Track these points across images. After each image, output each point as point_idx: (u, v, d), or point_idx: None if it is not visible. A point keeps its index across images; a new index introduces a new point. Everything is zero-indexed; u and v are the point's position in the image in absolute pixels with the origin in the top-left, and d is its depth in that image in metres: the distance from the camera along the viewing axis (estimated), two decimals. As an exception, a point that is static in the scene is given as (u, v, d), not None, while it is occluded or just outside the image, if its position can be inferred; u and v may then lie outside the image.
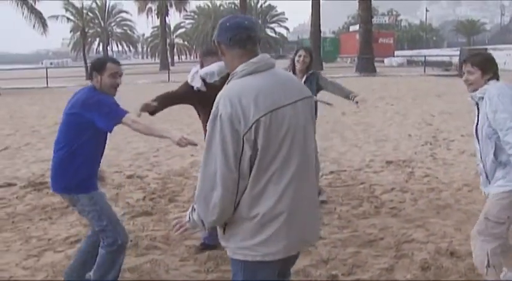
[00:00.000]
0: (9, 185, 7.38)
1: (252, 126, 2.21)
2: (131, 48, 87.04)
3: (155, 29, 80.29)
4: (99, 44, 74.68)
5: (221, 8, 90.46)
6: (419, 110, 14.63)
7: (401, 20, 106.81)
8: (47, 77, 30.93)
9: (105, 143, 3.76)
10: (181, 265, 4.48)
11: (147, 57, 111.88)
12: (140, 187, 7.13)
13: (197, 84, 4.44)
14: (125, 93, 20.73)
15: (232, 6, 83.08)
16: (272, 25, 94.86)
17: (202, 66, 4.48)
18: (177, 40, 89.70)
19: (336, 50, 60.86)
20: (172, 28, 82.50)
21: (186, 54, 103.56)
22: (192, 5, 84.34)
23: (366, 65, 34.67)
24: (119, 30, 77.05)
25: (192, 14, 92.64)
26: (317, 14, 40.56)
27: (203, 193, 2.30)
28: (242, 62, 2.35)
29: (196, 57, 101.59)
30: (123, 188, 7.07)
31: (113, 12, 72.93)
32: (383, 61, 46.90)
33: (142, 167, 8.37)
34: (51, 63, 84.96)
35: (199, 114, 4.58)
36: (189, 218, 2.42)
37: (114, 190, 6.95)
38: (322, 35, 45.01)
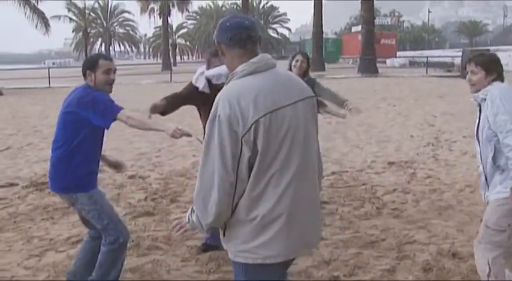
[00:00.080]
0: (11, 185, 7.38)
1: (251, 127, 2.19)
2: (133, 48, 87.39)
3: (157, 29, 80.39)
4: (101, 44, 74.91)
5: (223, 8, 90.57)
6: (422, 111, 14.61)
7: (403, 21, 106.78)
8: (49, 77, 30.98)
9: (103, 140, 3.76)
10: (183, 265, 4.48)
11: (149, 58, 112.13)
12: (142, 187, 7.13)
13: (201, 85, 4.43)
14: (127, 93, 20.67)
15: (235, 6, 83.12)
16: (274, 26, 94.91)
17: (208, 67, 4.47)
18: (179, 40, 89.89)
19: (338, 50, 60.87)
20: (174, 28, 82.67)
21: (188, 55, 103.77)
22: (194, 6, 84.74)
23: (368, 66, 34.64)
24: (121, 30, 77.28)
25: (194, 14, 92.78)
26: (319, 14, 40.59)
27: (201, 195, 2.29)
28: (242, 62, 2.33)
29: (199, 57, 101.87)
30: (124, 189, 7.07)
31: (115, 12, 73.18)
32: (385, 62, 46.87)
33: (144, 168, 8.37)
34: (53, 63, 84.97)
35: (200, 115, 4.58)
36: (189, 219, 2.42)
37: (116, 190, 6.96)
38: (324, 35, 44.98)
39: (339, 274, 4.20)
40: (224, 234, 2.41)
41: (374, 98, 18.20)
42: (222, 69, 4.27)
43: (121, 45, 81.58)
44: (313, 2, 40.75)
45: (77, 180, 3.58)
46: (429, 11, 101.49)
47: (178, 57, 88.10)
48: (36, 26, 33.72)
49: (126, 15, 76.18)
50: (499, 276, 3.44)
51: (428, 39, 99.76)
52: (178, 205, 6.25)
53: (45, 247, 4.95)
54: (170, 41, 68.79)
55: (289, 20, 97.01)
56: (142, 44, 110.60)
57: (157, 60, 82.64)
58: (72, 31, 67.99)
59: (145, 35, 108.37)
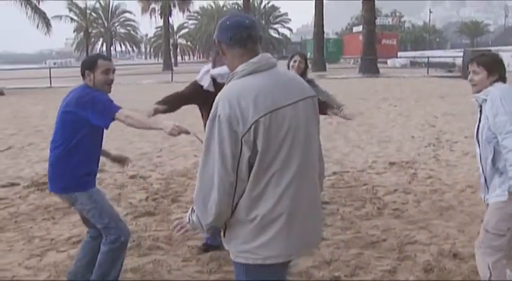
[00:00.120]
0: (13, 184, 7.39)
1: (250, 127, 2.18)
2: (134, 48, 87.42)
3: (158, 29, 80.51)
4: (102, 44, 74.93)
5: (224, 8, 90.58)
6: (423, 112, 14.61)
7: (404, 21, 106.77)
8: (50, 77, 31.00)
9: (102, 140, 3.76)
10: (184, 265, 4.48)
11: (150, 58, 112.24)
12: (143, 187, 7.13)
13: (206, 83, 4.41)
14: (128, 93, 20.65)
15: (236, 6, 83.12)
16: (275, 26, 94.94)
17: (214, 66, 4.46)
18: (180, 40, 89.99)
19: (339, 51, 60.90)
20: (175, 28, 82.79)
21: (189, 55, 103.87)
22: (195, 6, 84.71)
23: (369, 66, 34.65)
24: (122, 30, 77.32)
25: (195, 14, 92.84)
26: (320, 14, 40.60)
27: (201, 195, 2.29)
28: (243, 62, 2.32)
29: (200, 57, 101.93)
30: (125, 188, 7.08)
31: (117, 12, 73.20)
32: (386, 62, 46.88)
33: (146, 168, 8.37)
34: (54, 63, 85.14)
35: (202, 115, 4.57)
36: (189, 219, 2.41)
37: (117, 190, 6.96)
38: (325, 36, 44.99)
39: (340, 274, 4.19)
40: (224, 234, 2.41)
41: (375, 99, 18.19)
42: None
43: (122, 45, 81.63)
44: (314, 2, 40.73)
45: (75, 180, 3.58)
46: (430, 11, 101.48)
47: (179, 58, 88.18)
48: (38, 26, 33.78)
49: (127, 15, 76.23)
50: (500, 279, 3.40)
51: (429, 39, 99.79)
52: (180, 205, 6.25)
53: (46, 247, 4.95)
54: (171, 41, 68.84)
55: (290, 20, 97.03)
56: (143, 44, 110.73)
57: (158, 60, 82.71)
58: (74, 31, 68.05)
59: (147, 35, 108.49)
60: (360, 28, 43.58)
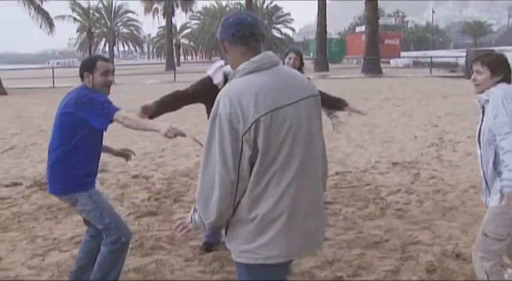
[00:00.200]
0: (15, 184, 7.40)
1: (251, 126, 2.18)
2: (137, 48, 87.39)
3: (161, 29, 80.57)
4: (105, 44, 74.99)
5: (227, 8, 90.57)
6: (425, 112, 14.59)
7: (407, 21, 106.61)
8: (53, 77, 31.03)
9: (102, 141, 3.74)
10: (186, 265, 4.48)
11: (153, 58, 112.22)
12: (145, 187, 7.14)
13: (218, 79, 4.31)
14: (131, 93, 20.67)
15: (238, 6, 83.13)
16: (278, 26, 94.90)
17: (227, 62, 4.39)
18: (183, 40, 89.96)
19: (341, 51, 60.79)
20: (178, 28, 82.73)
21: (192, 55, 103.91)
22: (198, 6, 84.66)
23: (372, 66, 34.61)
24: (125, 30, 77.35)
25: (198, 14, 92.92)
26: (323, 14, 40.56)
27: (203, 194, 2.29)
28: (245, 60, 2.31)
29: (203, 57, 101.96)
30: (128, 188, 7.08)
31: (119, 12, 73.24)
32: (389, 62, 46.81)
33: (148, 168, 8.38)
34: (57, 63, 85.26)
35: (208, 114, 4.50)
36: (191, 218, 2.41)
37: (120, 190, 6.97)
38: (328, 36, 44.99)
39: (342, 274, 4.19)
40: (226, 233, 2.42)
41: (378, 99, 18.17)
42: None
43: (125, 45, 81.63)
44: (317, 2, 40.70)
45: (75, 181, 3.56)
46: (433, 11, 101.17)
47: (182, 57, 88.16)
48: (41, 26, 33.79)
49: (130, 15, 76.25)
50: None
51: (432, 39, 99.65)
52: (182, 205, 6.26)
53: (49, 247, 4.96)
54: (174, 41, 68.83)
55: (293, 20, 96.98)
56: (146, 44, 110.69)
57: (161, 60, 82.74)
58: (77, 31, 68.13)
59: (149, 35, 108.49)
60: (363, 28, 43.59)
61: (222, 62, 4.42)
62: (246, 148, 2.20)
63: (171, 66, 53.51)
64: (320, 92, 4.75)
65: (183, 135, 3.18)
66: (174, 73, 35.99)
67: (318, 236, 2.52)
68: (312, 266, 4.32)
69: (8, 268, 4.46)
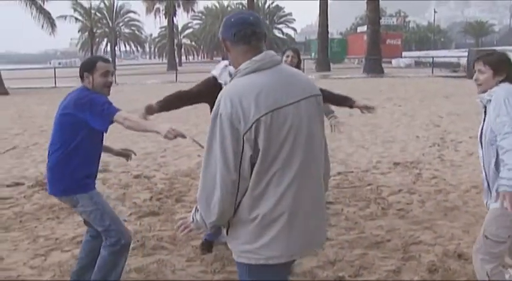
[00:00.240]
0: (17, 184, 7.41)
1: (252, 126, 2.18)
2: (139, 48, 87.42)
3: (163, 29, 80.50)
4: (107, 44, 75.00)
5: (229, 8, 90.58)
6: (427, 111, 14.57)
7: (409, 21, 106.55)
8: (55, 77, 31.07)
9: (102, 142, 3.73)
10: (188, 265, 4.48)
11: (154, 58, 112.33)
12: (147, 187, 7.14)
13: (224, 79, 4.28)
14: (132, 93, 20.61)
15: (240, 6, 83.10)
16: (279, 26, 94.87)
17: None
18: (184, 40, 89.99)
19: (343, 51, 60.74)
20: (179, 28, 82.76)
21: (193, 55, 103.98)
22: (199, 6, 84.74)
23: (374, 66, 34.60)
24: (126, 30, 77.33)
25: (200, 14, 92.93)
26: (325, 14, 40.54)
27: (204, 194, 2.29)
28: (247, 59, 2.31)
29: (204, 57, 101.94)
30: (130, 188, 7.09)
31: (121, 12, 73.21)
32: (391, 62, 46.76)
33: (150, 167, 8.39)
34: (59, 63, 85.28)
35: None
36: (193, 218, 2.42)
37: (121, 190, 6.98)
38: (329, 35, 44.96)
39: (344, 274, 4.19)
40: (227, 233, 2.42)
41: (379, 99, 18.15)
42: None
43: (126, 45, 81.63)
44: (318, 2, 40.70)
45: (75, 182, 3.54)
46: (435, 11, 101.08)
47: (183, 57, 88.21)
48: (42, 26, 33.79)
49: (131, 15, 76.18)
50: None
51: (434, 39, 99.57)
52: (184, 205, 6.26)
53: (51, 247, 4.96)
54: (176, 41, 68.88)
55: (294, 20, 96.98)
56: (147, 44, 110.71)
57: (162, 60, 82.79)
58: (78, 31, 68.16)
59: (151, 35, 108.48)
60: (365, 28, 43.51)
61: (226, 62, 4.41)
62: (247, 147, 2.20)
63: (172, 66, 53.52)
64: (325, 90, 4.82)
65: (183, 136, 3.18)
66: (176, 73, 35.99)
67: (320, 236, 2.52)
68: (314, 266, 4.32)
69: (10, 268, 4.46)
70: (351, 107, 5.04)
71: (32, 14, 32.86)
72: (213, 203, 2.26)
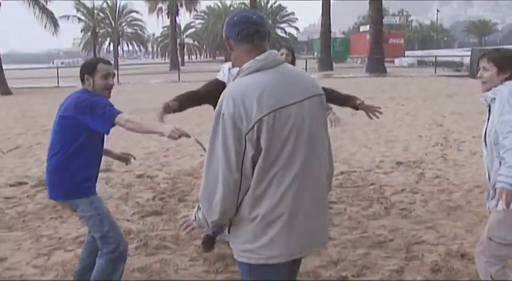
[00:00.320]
0: (20, 184, 7.43)
1: (254, 125, 2.18)
2: (141, 48, 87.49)
3: (165, 28, 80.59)
4: (109, 44, 75.03)
5: (231, 8, 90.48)
6: (430, 111, 14.55)
7: (412, 21, 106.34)
8: (58, 77, 31.11)
9: (103, 144, 3.68)
10: (191, 265, 4.49)
11: (157, 57, 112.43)
12: (150, 187, 7.15)
13: (230, 81, 4.31)
14: (135, 92, 20.62)
15: (243, 6, 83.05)
16: (282, 25, 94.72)
17: (234, 64, 4.37)
18: (187, 40, 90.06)
19: (346, 50, 60.67)
20: (182, 28, 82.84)
21: (196, 54, 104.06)
22: (202, 5, 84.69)
23: (376, 66, 34.56)
24: (129, 30, 77.37)
25: (202, 14, 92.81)
26: (327, 14, 40.50)
27: (206, 192, 2.29)
28: (250, 58, 2.31)
29: (207, 57, 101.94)
30: (133, 188, 7.09)
31: (124, 12, 73.23)
32: (393, 61, 46.68)
33: (153, 167, 8.40)
34: (62, 63, 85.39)
35: None
36: (195, 217, 2.41)
37: (124, 190, 6.98)
38: (332, 35, 44.89)
39: (347, 274, 4.18)
40: (229, 231, 2.42)
41: (382, 98, 18.12)
42: None
43: (129, 44, 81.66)
44: (321, 1, 40.64)
45: (75, 186, 3.49)
46: (438, 11, 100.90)
47: (186, 57, 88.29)
48: (45, 26, 33.90)
49: (134, 15, 76.20)
50: None
51: (436, 38, 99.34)
52: (186, 204, 6.26)
53: (54, 246, 4.97)
54: (178, 40, 68.96)
55: (297, 19, 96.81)
56: (150, 44, 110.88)
57: (165, 59, 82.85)
58: (81, 31, 68.20)
59: (154, 34, 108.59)
60: (367, 27, 43.48)
61: (229, 63, 4.43)
62: (249, 147, 2.20)
63: (175, 65, 53.57)
64: (330, 89, 4.81)
65: (188, 136, 3.15)
66: (179, 73, 36.04)
67: (322, 236, 2.51)
68: (317, 265, 4.32)
69: (13, 268, 4.47)
70: (356, 108, 5.00)
71: (35, 13, 32.99)
72: (215, 202, 2.26)
